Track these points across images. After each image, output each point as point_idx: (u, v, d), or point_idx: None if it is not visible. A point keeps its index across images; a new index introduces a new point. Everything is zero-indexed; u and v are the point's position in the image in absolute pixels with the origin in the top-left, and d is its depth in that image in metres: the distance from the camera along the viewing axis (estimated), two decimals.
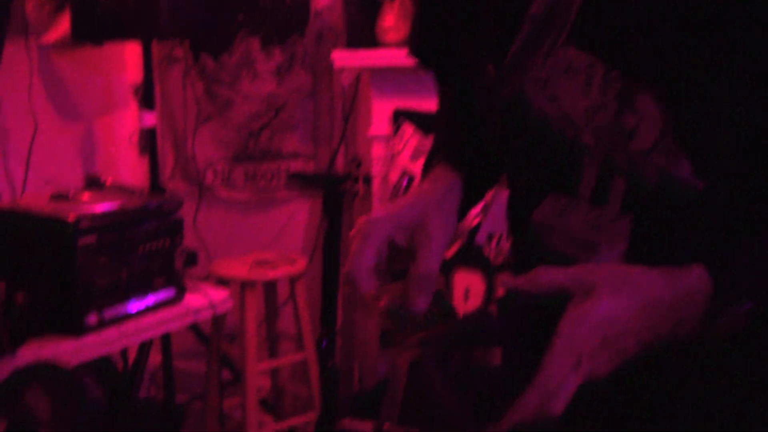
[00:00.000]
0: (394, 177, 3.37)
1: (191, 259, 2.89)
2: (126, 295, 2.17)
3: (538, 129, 1.03)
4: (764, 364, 1.01)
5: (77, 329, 2.02)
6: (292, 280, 3.42)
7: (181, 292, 2.30)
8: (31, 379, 0.74)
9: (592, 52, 0.97)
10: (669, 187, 0.95)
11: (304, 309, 3.49)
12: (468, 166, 1.23)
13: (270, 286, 3.59)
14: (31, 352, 1.90)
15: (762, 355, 1.00)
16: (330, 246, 3.57)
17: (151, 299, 2.23)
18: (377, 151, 3.49)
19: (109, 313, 2.12)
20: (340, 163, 3.65)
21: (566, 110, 0.99)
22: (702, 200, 0.94)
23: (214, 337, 3.55)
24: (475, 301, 3.26)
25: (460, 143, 1.28)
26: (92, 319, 2.08)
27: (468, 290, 3.30)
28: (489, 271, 3.21)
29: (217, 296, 2.40)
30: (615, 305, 0.86)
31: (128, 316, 2.17)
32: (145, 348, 3.63)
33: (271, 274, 3.33)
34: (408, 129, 3.34)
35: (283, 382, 3.77)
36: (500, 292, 0.83)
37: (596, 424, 1.05)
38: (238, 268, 3.33)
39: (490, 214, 3.16)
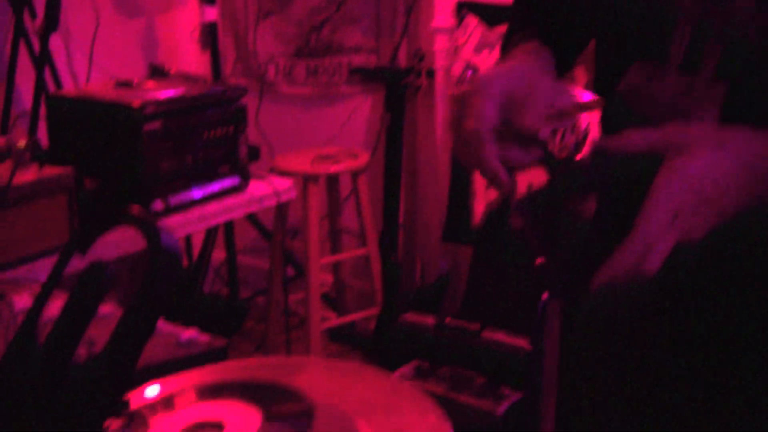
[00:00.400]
0: (457, 70, 3.31)
1: (254, 153, 2.89)
2: (190, 182, 2.17)
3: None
4: None
5: None
6: (354, 175, 3.42)
7: (245, 180, 2.30)
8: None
9: None
10: (761, 45, 0.89)
11: (366, 203, 3.49)
12: (554, 36, 1.16)
13: (332, 181, 3.59)
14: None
15: None
16: (392, 140, 3.55)
17: (215, 186, 2.23)
18: (440, 43, 3.42)
19: (174, 199, 2.13)
20: (402, 57, 3.60)
21: None
22: None
23: (277, 231, 3.58)
24: None
25: (545, 12, 1.22)
26: (158, 205, 2.09)
27: (531, 186, 3.27)
28: (553, 165, 3.16)
29: (281, 185, 2.40)
30: (714, 161, 0.81)
31: (193, 203, 2.18)
32: (209, 242, 3.68)
33: (333, 168, 3.33)
34: (472, 21, 3.26)
35: (345, 277, 3.80)
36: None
37: (684, 294, 1.01)
38: (300, 163, 3.34)
39: None
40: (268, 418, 0.91)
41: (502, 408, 2.53)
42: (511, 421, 2.51)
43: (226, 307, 3.84)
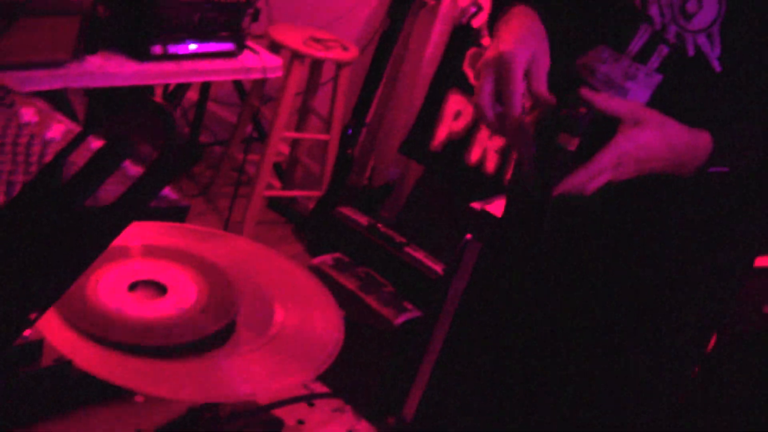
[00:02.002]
0: (463, 2, 3.44)
1: (254, 14, 3.01)
2: (192, 36, 2.31)
3: None
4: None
5: (142, 54, 2.19)
6: (339, 65, 3.55)
7: (240, 48, 2.45)
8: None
9: None
10: (699, 61, 1.24)
11: (341, 95, 3.63)
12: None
13: (317, 64, 3.72)
14: (98, 63, 2.09)
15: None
16: (384, 44, 3.68)
17: (212, 46, 2.37)
18: None
19: (173, 48, 2.28)
20: None
21: None
22: (718, 81, 1.24)
23: (252, 92, 3.73)
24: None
25: None
26: (157, 48, 2.23)
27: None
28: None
29: (271, 62, 2.55)
30: (654, 137, 1.18)
31: (188, 56, 2.32)
32: (186, 85, 3.81)
33: (322, 54, 3.46)
34: None
35: (300, 154, 3.97)
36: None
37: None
38: (293, 39, 3.46)
39: None
40: (205, 289, 1.12)
41: (400, 319, 2.74)
42: (404, 334, 2.73)
43: (184, 146, 3.99)
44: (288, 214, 3.98)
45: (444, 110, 3.42)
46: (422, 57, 3.70)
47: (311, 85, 3.84)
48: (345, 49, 3.57)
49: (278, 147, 3.61)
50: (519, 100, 1.20)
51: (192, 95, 4.06)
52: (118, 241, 0.93)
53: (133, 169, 1.34)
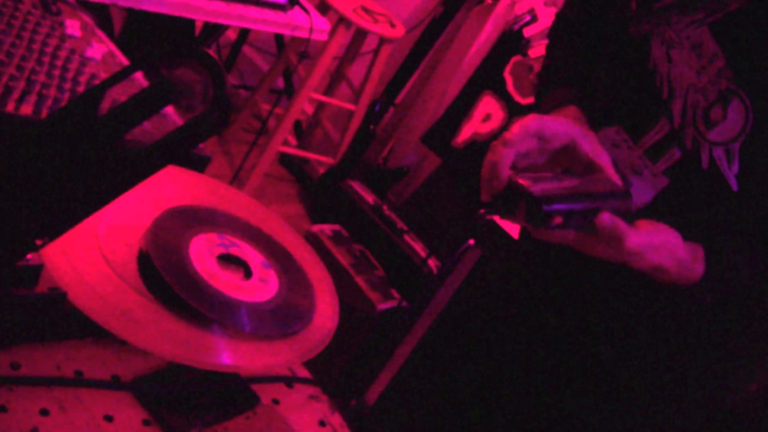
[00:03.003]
0: (519, 9, 3.41)
1: None
2: None
3: (642, 75, 1.18)
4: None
5: None
6: (383, 41, 3.53)
7: (291, 4, 2.42)
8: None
9: (722, 47, 1.11)
10: (712, 178, 1.13)
11: (377, 70, 3.62)
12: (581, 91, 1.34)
13: (361, 34, 3.70)
14: None
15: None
16: (431, 30, 3.66)
17: None
18: None
19: None
20: None
21: (674, 76, 1.15)
22: (732, 205, 1.14)
23: (290, 47, 3.71)
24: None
25: (579, 65, 1.40)
26: None
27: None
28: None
29: (320, 24, 2.52)
30: (645, 242, 1.04)
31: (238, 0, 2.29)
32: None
33: (368, 25, 3.44)
34: None
35: (323, 118, 3.96)
36: None
37: None
38: (345, 3, 3.44)
39: None
40: (268, 259, 1.13)
41: (384, 306, 2.74)
42: (385, 321, 2.73)
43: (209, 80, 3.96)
44: (297, 174, 3.97)
45: (475, 110, 3.40)
46: (466, 53, 3.68)
47: (350, 53, 3.82)
48: (392, 26, 3.55)
49: (303, 105, 3.59)
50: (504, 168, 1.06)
51: (231, 34, 4.03)
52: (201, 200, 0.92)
53: (170, 111, 1.33)
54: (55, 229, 0.87)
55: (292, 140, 3.98)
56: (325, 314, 1.14)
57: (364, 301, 2.75)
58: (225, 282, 1.05)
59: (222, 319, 1.00)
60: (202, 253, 1.08)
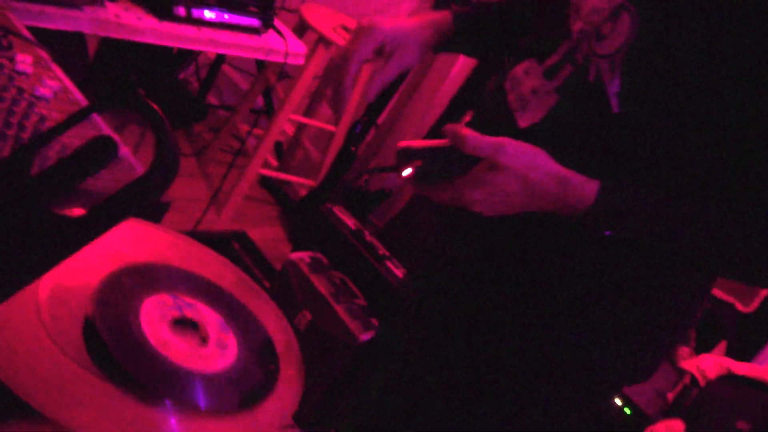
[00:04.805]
0: None
1: None
2: (219, 4, 2.21)
3: (553, 8, 1.26)
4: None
5: (164, 12, 2.07)
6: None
7: (265, 26, 2.34)
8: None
9: None
10: (597, 90, 1.14)
11: (358, 89, 3.53)
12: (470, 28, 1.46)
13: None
14: (116, 11, 1.97)
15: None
16: None
17: (238, 19, 2.27)
18: None
19: (197, 12, 2.17)
20: None
21: (583, 4, 1.20)
22: (613, 123, 1.13)
23: (271, 66, 3.62)
24: None
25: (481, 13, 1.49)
26: (181, 10, 2.12)
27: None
28: None
29: (295, 48, 2.44)
30: (510, 182, 1.09)
31: (210, 24, 2.21)
32: None
33: None
34: None
35: (304, 139, 3.87)
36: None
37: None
38: (323, 22, 3.36)
39: None
40: (227, 320, 1.05)
41: (364, 336, 2.66)
42: (365, 352, 2.65)
43: (189, 101, 3.89)
44: (278, 196, 3.88)
45: None
46: (448, 73, 3.62)
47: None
48: None
49: (283, 126, 3.50)
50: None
51: (210, 53, 3.96)
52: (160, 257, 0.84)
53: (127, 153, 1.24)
54: None
55: (273, 161, 3.90)
56: (292, 381, 1.06)
57: (345, 332, 2.66)
58: (178, 350, 0.97)
59: (174, 395, 0.91)
60: (154, 317, 0.99)
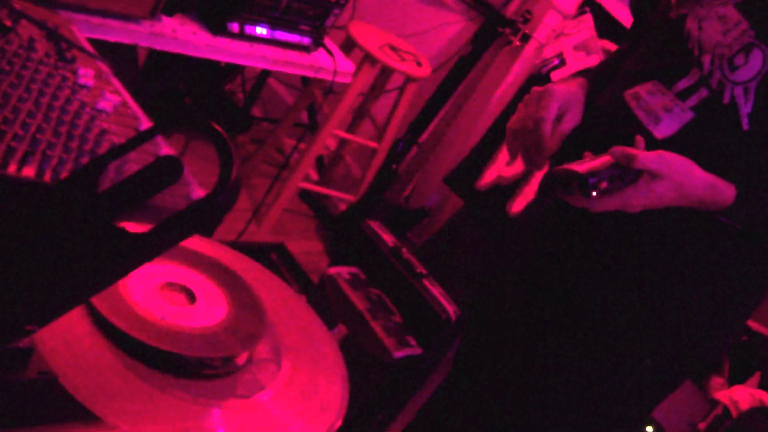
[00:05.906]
0: (548, 53, 3.37)
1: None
2: (272, 22, 2.25)
3: (678, 39, 1.43)
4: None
5: (218, 28, 2.12)
6: (408, 79, 3.49)
7: (316, 45, 2.38)
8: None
9: (746, 17, 1.36)
10: (730, 111, 1.36)
11: (402, 107, 3.57)
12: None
13: (386, 71, 3.66)
14: (172, 26, 2.02)
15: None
16: (458, 70, 3.62)
17: (290, 36, 2.31)
18: (550, 20, 3.46)
19: (250, 29, 2.21)
20: (512, 7, 3.63)
21: (704, 38, 1.39)
22: (743, 138, 1.35)
23: (317, 81, 3.66)
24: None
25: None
26: (234, 26, 2.17)
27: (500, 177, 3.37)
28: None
29: (343, 67, 2.48)
30: (668, 190, 1.29)
31: (263, 40, 2.26)
32: None
33: (394, 64, 3.39)
34: (587, 20, 3.30)
35: (346, 154, 3.91)
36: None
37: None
38: (371, 41, 3.40)
39: None
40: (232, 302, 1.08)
41: (399, 354, 2.68)
42: (400, 370, 2.67)
43: (234, 112, 3.95)
44: (317, 210, 3.92)
45: (499, 152, 3.35)
46: (493, 94, 3.64)
47: (375, 90, 3.78)
48: (419, 64, 3.51)
49: (326, 141, 3.54)
50: (550, 114, 1.46)
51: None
52: None
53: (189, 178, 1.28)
54: (47, 314, 0.82)
55: (314, 175, 3.94)
56: (331, 404, 1.08)
57: (380, 348, 2.68)
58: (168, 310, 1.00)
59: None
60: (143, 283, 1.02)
